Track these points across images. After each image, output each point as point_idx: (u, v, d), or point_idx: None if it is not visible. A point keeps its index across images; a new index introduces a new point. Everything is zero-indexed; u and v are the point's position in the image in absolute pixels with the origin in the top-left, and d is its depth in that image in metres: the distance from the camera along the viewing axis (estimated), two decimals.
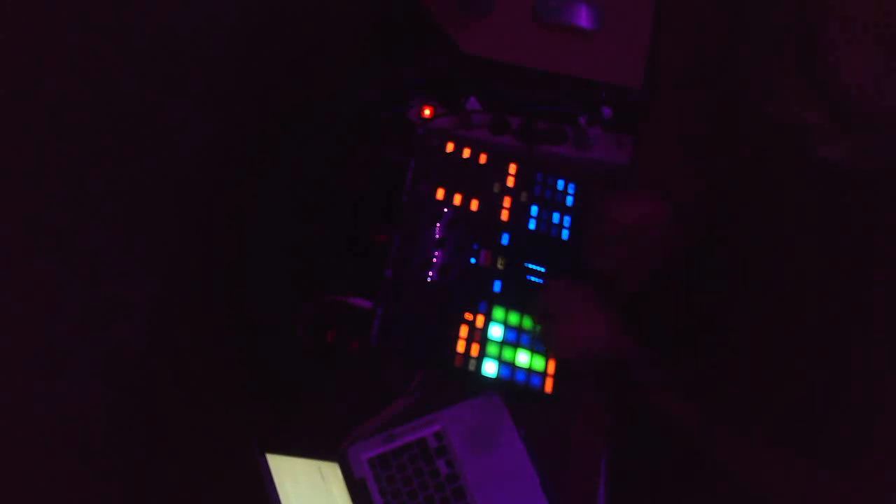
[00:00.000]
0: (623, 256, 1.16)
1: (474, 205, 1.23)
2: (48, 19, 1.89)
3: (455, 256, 1.19)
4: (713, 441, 1.02)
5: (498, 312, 1.17)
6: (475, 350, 1.14)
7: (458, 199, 1.23)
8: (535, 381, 1.14)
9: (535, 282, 1.20)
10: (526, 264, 1.21)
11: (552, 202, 1.26)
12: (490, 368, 1.14)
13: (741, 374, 0.99)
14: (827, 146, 0.85)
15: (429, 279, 1.17)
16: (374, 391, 1.15)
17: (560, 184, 1.27)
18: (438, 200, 1.22)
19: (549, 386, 1.14)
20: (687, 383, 1.04)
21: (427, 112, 1.28)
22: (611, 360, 1.08)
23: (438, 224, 1.20)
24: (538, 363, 1.15)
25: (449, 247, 1.20)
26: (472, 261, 1.20)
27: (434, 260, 1.18)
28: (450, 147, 1.25)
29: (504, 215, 1.24)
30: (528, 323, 1.17)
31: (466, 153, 1.25)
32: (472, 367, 1.14)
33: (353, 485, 1.10)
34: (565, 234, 1.24)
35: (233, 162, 1.84)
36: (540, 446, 1.13)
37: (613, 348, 1.08)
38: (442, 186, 1.23)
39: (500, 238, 1.22)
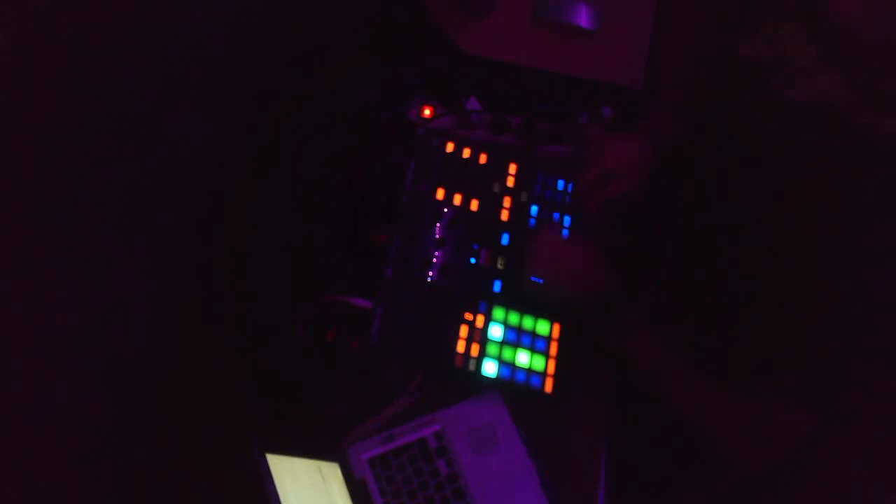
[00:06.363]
0: (611, 195, 1.21)
1: (474, 205, 1.23)
2: (48, 19, 1.89)
3: (455, 256, 1.19)
4: (682, 384, 1.04)
5: (498, 312, 1.17)
6: (475, 350, 1.14)
7: (458, 199, 1.23)
8: (535, 381, 1.14)
9: (535, 282, 1.20)
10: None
11: (552, 202, 1.26)
12: (490, 368, 1.14)
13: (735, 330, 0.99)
14: (809, 80, 0.85)
15: (429, 279, 1.17)
16: (374, 391, 1.15)
17: (560, 184, 1.27)
18: (438, 200, 1.22)
19: (549, 386, 1.14)
20: (665, 327, 1.08)
21: (427, 112, 1.28)
22: (596, 295, 1.11)
23: (438, 224, 1.20)
24: (538, 363, 1.15)
25: (449, 247, 1.20)
26: (472, 261, 1.20)
27: (434, 260, 1.18)
28: (450, 147, 1.25)
29: (504, 215, 1.24)
30: (528, 323, 1.17)
31: (466, 153, 1.25)
32: (472, 367, 1.14)
33: (353, 485, 1.10)
34: (565, 234, 1.24)
35: (233, 162, 1.84)
36: (540, 446, 1.12)
37: (601, 282, 1.11)
38: (442, 186, 1.23)
39: (500, 238, 1.22)
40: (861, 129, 0.86)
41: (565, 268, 1.13)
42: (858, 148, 0.86)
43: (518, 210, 1.24)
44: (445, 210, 1.21)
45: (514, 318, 1.17)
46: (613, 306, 1.09)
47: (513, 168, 1.26)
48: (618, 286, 1.11)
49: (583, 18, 1.35)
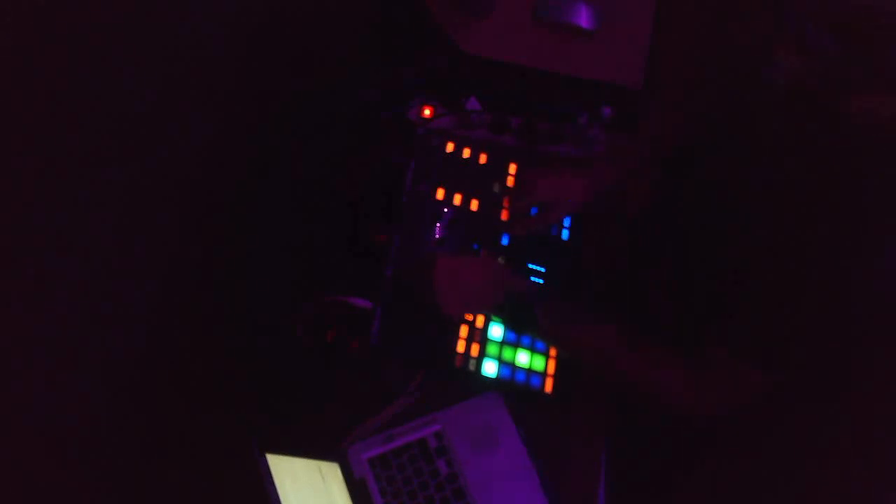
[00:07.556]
0: (536, 225, 1.21)
1: (474, 205, 1.23)
2: (48, 19, 1.89)
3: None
4: (614, 353, 1.05)
5: None
6: (475, 350, 1.14)
7: (458, 199, 1.23)
8: (535, 381, 1.14)
9: (535, 282, 1.20)
10: (526, 264, 1.21)
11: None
12: (490, 368, 1.14)
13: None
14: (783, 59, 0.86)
15: None
16: (374, 391, 1.15)
17: None
18: (438, 200, 1.22)
19: (549, 386, 1.14)
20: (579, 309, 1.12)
21: (427, 112, 1.28)
22: (508, 299, 1.11)
23: (438, 224, 1.20)
24: (538, 363, 1.15)
25: (449, 247, 1.20)
26: None
27: None
28: (450, 147, 1.25)
29: (504, 215, 1.24)
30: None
31: (466, 153, 1.25)
32: (472, 367, 1.14)
33: (353, 485, 1.10)
34: (565, 234, 1.24)
35: (233, 162, 1.84)
36: (540, 446, 1.12)
37: (505, 288, 1.11)
38: (442, 186, 1.23)
39: (500, 238, 1.22)
40: (861, 128, 0.86)
41: (468, 285, 1.11)
42: (858, 148, 0.86)
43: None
44: (445, 210, 1.21)
45: None
46: (530, 307, 1.10)
47: (513, 168, 1.26)
48: (527, 287, 1.13)
49: (583, 18, 1.35)
